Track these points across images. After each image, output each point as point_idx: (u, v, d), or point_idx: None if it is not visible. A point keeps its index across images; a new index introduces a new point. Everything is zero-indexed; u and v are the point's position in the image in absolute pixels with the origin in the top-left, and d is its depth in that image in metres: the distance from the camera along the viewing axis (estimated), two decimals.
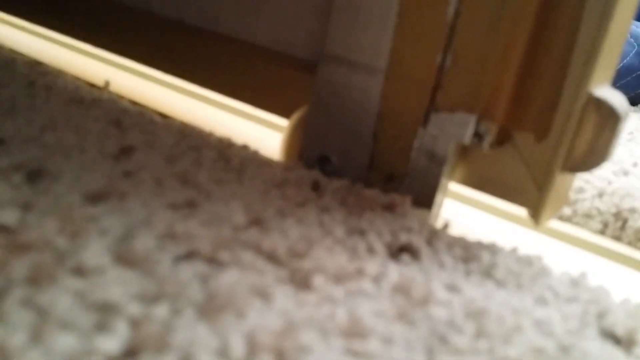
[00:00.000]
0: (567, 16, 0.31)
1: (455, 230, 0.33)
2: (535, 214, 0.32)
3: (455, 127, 0.33)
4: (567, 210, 0.40)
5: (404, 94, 0.34)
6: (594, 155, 0.31)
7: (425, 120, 0.34)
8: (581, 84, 0.30)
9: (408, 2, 0.34)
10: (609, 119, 0.30)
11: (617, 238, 0.39)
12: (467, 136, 0.33)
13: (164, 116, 0.42)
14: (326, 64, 0.37)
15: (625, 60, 0.80)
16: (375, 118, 0.35)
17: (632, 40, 0.81)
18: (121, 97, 0.43)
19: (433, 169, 0.34)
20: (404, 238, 0.27)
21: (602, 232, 0.39)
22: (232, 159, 0.34)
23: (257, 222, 0.26)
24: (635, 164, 0.46)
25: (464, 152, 0.35)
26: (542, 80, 0.32)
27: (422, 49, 0.33)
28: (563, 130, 0.31)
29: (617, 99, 0.30)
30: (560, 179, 0.32)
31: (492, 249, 0.29)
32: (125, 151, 0.31)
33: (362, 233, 0.27)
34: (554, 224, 0.40)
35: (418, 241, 0.28)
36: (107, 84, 0.45)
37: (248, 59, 0.44)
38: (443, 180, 0.34)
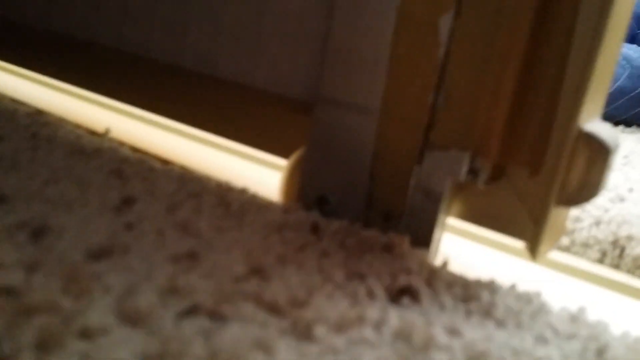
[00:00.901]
0: (555, 51, 0.32)
1: (454, 266, 0.33)
2: (533, 248, 0.33)
3: (449, 165, 0.33)
4: (565, 240, 0.41)
5: (398, 133, 0.35)
6: (587, 188, 0.31)
7: (419, 159, 0.34)
8: (571, 119, 0.31)
9: (400, 44, 0.34)
10: (600, 153, 0.30)
11: (616, 266, 0.39)
12: (462, 173, 0.33)
13: (164, 161, 0.43)
14: (321, 106, 0.37)
15: (618, 83, 0.81)
16: (371, 157, 0.36)
17: (624, 62, 0.82)
18: (122, 144, 0.44)
19: (430, 206, 0.35)
20: (403, 280, 0.28)
21: (600, 261, 0.40)
22: (231, 203, 0.34)
23: (257, 271, 0.26)
24: (631, 189, 0.47)
25: (460, 187, 0.36)
26: (533, 116, 0.33)
27: (415, 89, 0.34)
28: (556, 165, 0.32)
29: (607, 132, 0.31)
30: (556, 212, 0.33)
31: (491, 287, 0.29)
32: (127, 202, 0.32)
33: (361, 277, 0.28)
34: (552, 254, 0.40)
35: (417, 282, 0.28)
36: (107, 131, 0.45)
37: (247, 102, 0.45)
38: (440, 217, 0.35)
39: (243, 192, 0.37)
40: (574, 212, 0.42)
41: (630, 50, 0.84)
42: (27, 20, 0.56)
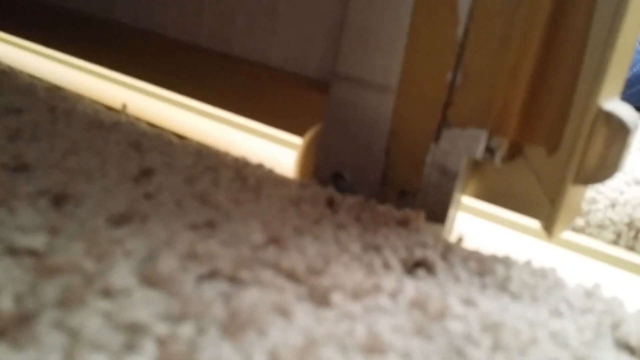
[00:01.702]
0: (575, 31, 0.32)
1: (469, 244, 0.33)
2: (548, 227, 0.33)
3: (466, 143, 0.33)
4: (580, 222, 0.41)
5: (416, 111, 0.35)
6: (604, 168, 0.31)
7: (437, 137, 0.34)
8: (590, 97, 0.31)
9: (418, 21, 0.34)
10: (619, 132, 0.30)
11: (631, 248, 0.39)
12: (479, 151, 0.33)
13: (180, 137, 0.43)
14: (338, 83, 0.37)
15: (634, 69, 0.80)
16: (388, 135, 0.36)
17: None
18: (139, 120, 0.44)
19: (446, 184, 0.35)
20: (419, 253, 0.28)
21: (615, 243, 0.40)
22: (248, 178, 0.34)
23: (275, 240, 0.27)
24: None
25: (476, 166, 0.36)
26: (552, 95, 0.32)
27: (433, 67, 0.34)
28: (574, 143, 0.31)
29: (626, 112, 0.31)
30: (572, 192, 0.33)
31: (507, 262, 0.29)
32: (146, 173, 0.32)
33: (377, 249, 0.28)
34: (567, 235, 0.40)
35: (433, 256, 0.28)
36: (124, 107, 0.46)
37: (262, 80, 0.45)
38: (456, 195, 0.35)
39: (259, 167, 0.37)
40: (590, 193, 0.42)
41: None
42: None
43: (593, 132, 0.31)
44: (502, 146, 0.33)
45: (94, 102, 0.46)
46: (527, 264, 0.30)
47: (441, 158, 0.34)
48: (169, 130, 0.46)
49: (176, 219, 0.27)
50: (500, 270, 0.28)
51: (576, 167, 0.31)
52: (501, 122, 0.33)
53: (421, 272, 0.27)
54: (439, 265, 0.28)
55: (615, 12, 0.30)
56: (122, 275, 0.21)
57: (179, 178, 0.32)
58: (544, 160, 0.33)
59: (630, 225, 0.39)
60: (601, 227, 0.40)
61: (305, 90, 0.43)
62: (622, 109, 0.31)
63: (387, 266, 0.26)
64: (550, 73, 0.32)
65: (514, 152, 0.34)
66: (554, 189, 0.33)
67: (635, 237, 0.39)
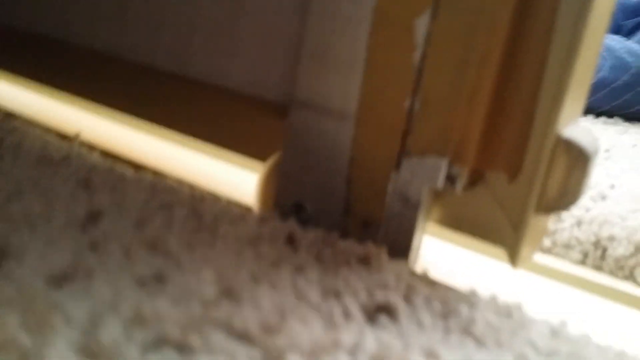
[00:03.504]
0: (533, 56, 0.31)
1: (436, 271, 0.32)
2: (512, 255, 0.32)
3: (427, 171, 0.33)
4: (546, 241, 0.40)
5: (375, 139, 0.34)
6: (566, 195, 0.30)
7: (397, 165, 0.33)
8: (549, 124, 0.30)
9: (375, 45, 0.33)
10: (579, 160, 0.29)
11: (598, 267, 0.39)
12: (440, 180, 0.32)
13: (137, 166, 0.42)
14: (297, 109, 0.36)
15: (600, 74, 0.80)
16: (348, 163, 0.35)
17: (606, 53, 0.81)
18: (93, 149, 0.42)
19: (408, 213, 0.34)
20: (380, 296, 0.27)
21: (582, 263, 0.39)
22: (204, 215, 0.33)
23: (228, 292, 0.25)
24: (612, 186, 0.46)
25: (439, 193, 0.35)
26: (511, 121, 0.32)
27: (391, 93, 0.33)
28: (534, 170, 0.31)
29: (586, 137, 0.30)
30: (535, 219, 0.32)
31: (471, 300, 0.28)
32: (93, 217, 0.31)
33: (337, 294, 0.27)
34: (534, 256, 0.39)
35: (395, 298, 0.27)
36: (77, 136, 0.44)
37: (222, 103, 0.43)
38: (419, 224, 0.34)
39: (216, 201, 0.36)
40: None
41: (613, 41, 0.83)
42: None
43: (553, 159, 0.30)
44: (463, 174, 0.32)
45: (47, 131, 0.44)
46: (492, 300, 0.29)
47: (402, 187, 0.34)
48: (127, 157, 0.44)
49: (123, 273, 0.26)
50: (464, 311, 0.27)
51: (538, 195, 0.31)
52: (461, 149, 0.32)
53: (383, 319, 0.26)
54: (402, 309, 0.27)
55: (573, 35, 0.29)
56: (60, 350, 0.20)
57: (128, 221, 0.31)
58: (506, 187, 0.32)
59: (596, 244, 0.39)
60: (568, 247, 0.40)
61: (266, 115, 0.41)
62: (582, 135, 0.30)
63: (347, 315, 0.25)
64: (508, 99, 0.32)
65: (476, 178, 0.34)
66: (517, 216, 0.32)
67: (602, 257, 0.39)
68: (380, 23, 0.33)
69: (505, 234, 0.33)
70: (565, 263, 0.39)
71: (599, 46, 0.32)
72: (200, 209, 0.34)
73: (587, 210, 0.41)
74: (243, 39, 0.41)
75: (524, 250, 0.32)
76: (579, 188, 0.30)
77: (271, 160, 0.38)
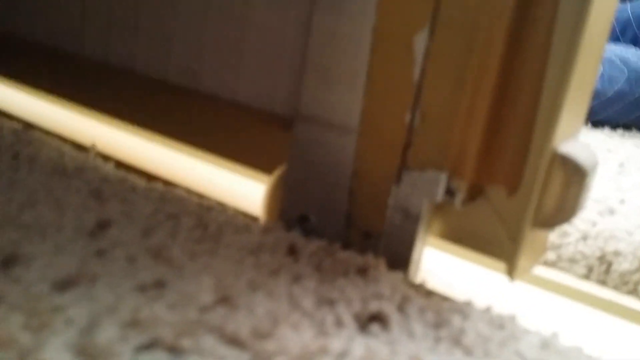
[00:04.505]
0: (530, 72, 0.31)
1: (436, 282, 0.33)
2: (510, 269, 0.32)
3: (426, 185, 0.33)
4: (551, 255, 0.40)
5: (377, 153, 0.35)
6: (563, 210, 0.31)
7: (398, 179, 0.34)
8: (546, 139, 0.30)
9: (376, 61, 0.34)
10: (575, 176, 0.30)
11: (602, 282, 0.39)
12: (439, 194, 0.33)
13: (149, 177, 0.43)
14: (301, 123, 0.37)
15: (616, 87, 0.80)
16: (350, 176, 0.36)
17: (622, 66, 0.81)
18: (107, 160, 0.44)
19: (408, 226, 0.34)
20: (374, 306, 0.28)
21: (586, 277, 0.39)
22: (210, 224, 0.34)
23: (225, 299, 0.26)
24: (622, 201, 0.46)
25: (440, 206, 0.35)
26: (509, 136, 0.32)
27: (392, 108, 0.34)
28: (532, 186, 0.31)
29: (583, 153, 0.31)
30: (533, 233, 0.32)
31: (465, 311, 0.29)
32: (102, 226, 0.32)
33: (331, 303, 0.28)
34: (538, 269, 0.39)
35: (389, 308, 0.28)
36: (93, 147, 0.45)
37: (230, 117, 0.45)
38: (419, 237, 0.34)
39: (223, 211, 0.37)
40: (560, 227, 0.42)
41: (629, 53, 0.83)
42: (16, 31, 0.56)
43: (550, 175, 0.30)
44: (462, 188, 0.33)
45: (63, 142, 0.46)
46: (486, 311, 0.29)
47: (403, 200, 0.34)
48: (139, 168, 0.46)
49: (125, 279, 0.27)
50: (456, 321, 0.28)
51: (534, 209, 0.31)
52: (460, 163, 0.33)
53: (375, 328, 0.26)
54: (394, 318, 0.27)
55: (569, 52, 0.30)
56: (57, 349, 0.21)
57: (136, 229, 0.32)
58: (505, 201, 0.33)
59: (601, 259, 0.39)
60: (572, 260, 0.40)
61: (273, 128, 0.42)
62: (579, 151, 0.30)
63: (339, 323, 0.26)
64: (507, 114, 0.32)
65: (476, 192, 0.34)
66: (515, 230, 0.32)
67: (606, 271, 0.39)
68: (380, 40, 0.34)
69: (504, 247, 0.33)
70: (566, 276, 0.39)
71: (596, 62, 0.32)
72: (206, 219, 0.35)
73: (594, 224, 0.41)
74: (250, 55, 0.42)
75: (521, 264, 0.33)
76: (576, 203, 0.31)
77: (277, 173, 0.39)
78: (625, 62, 0.81)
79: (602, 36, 0.32)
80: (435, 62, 0.32)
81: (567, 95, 0.30)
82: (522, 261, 0.32)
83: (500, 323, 0.28)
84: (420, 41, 0.32)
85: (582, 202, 0.31)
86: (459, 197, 0.33)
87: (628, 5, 0.93)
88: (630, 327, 0.34)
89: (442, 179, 0.33)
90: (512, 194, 0.33)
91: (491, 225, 0.34)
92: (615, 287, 0.38)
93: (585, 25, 0.29)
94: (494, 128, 0.32)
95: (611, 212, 0.44)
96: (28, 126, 0.49)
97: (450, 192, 0.33)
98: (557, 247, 0.41)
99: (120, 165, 0.44)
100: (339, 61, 0.35)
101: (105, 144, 0.49)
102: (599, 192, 0.48)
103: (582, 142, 0.32)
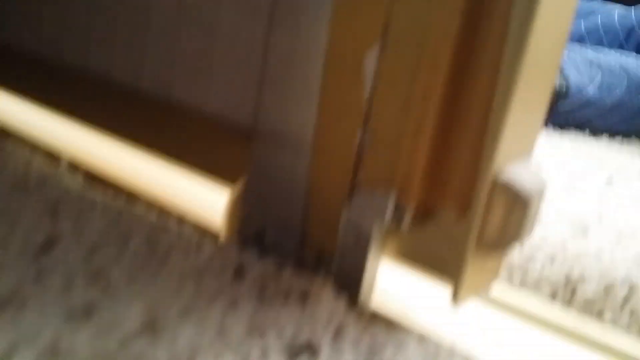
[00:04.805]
0: (480, 94, 0.31)
1: (388, 304, 0.32)
2: (454, 292, 0.32)
3: (376, 205, 0.33)
4: (517, 278, 0.40)
5: (329, 170, 0.35)
6: (506, 235, 0.30)
7: (349, 198, 0.34)
8: (489, 163, 0.30)
9: (329, 80, 0.34)
10: (517, 202, 0.29)
11: (568, 305, 0.38)
12: (387, 214, 0.32)
13: (116, 188, 0.43)
14: (259, 137, 0.37)
15: (616, 96, 0.78)
16: (304, 194, 0.36)
17: (623, 73, 0.79)
18: (76, 169, 0.44)
19: (360, 247, 0.34)
20: (305, 336, 0.27)
21: (551, 300, 0.38)
22: (159, 245, 0.34)
23: (151, 327, 0.26)
24: (600, 219, 0.45)
25: (392, 227, 0.35)
26: (459, 160, 0.32)
27: (344, 126, 0.34)
28: (477, 209, 0.30)
29: (527, 179, 0.30)
30: (480, 257, 0.32)
31: (401, 341, 0.28)
32: (48, 245, 0.32)
33: (262, 333, 0.27)
34: (502, 292, 0.38)
35: (321, 339, 0.27)
36: (60, 157, 0.46)
37: (200, 126, 0.45)
38: (371, 258, 0.34)
39: (179, 229, 0.37)
40: (527, 249, 0.41)
41: (629, 61, 0.81)
42: None
43: (492, 199, 0.30)
44: (410, 209, 0.32)
45: (34, 151, 0.46)
46: (423, 341, 0.29)
47: (355, 220, 0.34)
48: (107, 177, 0.46)
49: (55, 304, 0.27)
50: (388, 353, 0.27)
51: (478, 233, 0.30)
52: (408, 184, 0.32)
53: (304, 359, 0.26)
54: (325, 350, 0.27)
55: (510, 73, 0.29)
56: None
57: (82, 249, 0.32)
58: (454, 224, 0.32)
59: (566, 283, 0.38)
60: (537, 284, 0.39)
61: (240, 138, 0.42)
62: (523, 177, 0.30)
63: (264, 355, 0.26)
64: (456, 136, 0.31)
65: (427, 214, 0.33)
66: (460, 252, 0.32)
67: (571, 295, 0.38)
68: (332, 59, 0.33)
69: (452, 270, 0.33)
70: (528, 299, 0.38)
71: (547, 83, 0.31)
72: (156, 239, 0.35)
73: (563, 246, 0.40)
74: (218, 66, 0.42)
75: (465, 290, 0.32)
76: (520, 228, 0.30)
77: (238, 186, 0.39)
78: (625, 69, 0.79)
79: (553, 57, 0.31)
80: (384, 81, 0.32)
81: (509, 117, 0.29)
82: (466, 286, 0.32)
83: (435, 353, 0.28)
84: (370, 60, 0.32)
85: (527, 227, 0.30)
86: (407, 219, 0.32)
87: (632, 12, 0.90)
88: (575, 349, 0.33)
89: (391, 199, 0.32)
90: (461, 216, 0.32)
91: (441, 247, 0.33)
92: (580, 311, 0.37)
93: (528, 46, 0.28)
94: (443, 150, 0.32)
95: (584, 232, 0.43)
96: (1, 133, 0.49)
97: (398, 214, 0.33)
98: (524, 270, 0.40)
99: (88, 174, 0.44)
100: (294, 79, 0.35)
101: (78, 150, 0.49)
102: (578, 207, 0.47)
103: (530, 164, 0.31)
